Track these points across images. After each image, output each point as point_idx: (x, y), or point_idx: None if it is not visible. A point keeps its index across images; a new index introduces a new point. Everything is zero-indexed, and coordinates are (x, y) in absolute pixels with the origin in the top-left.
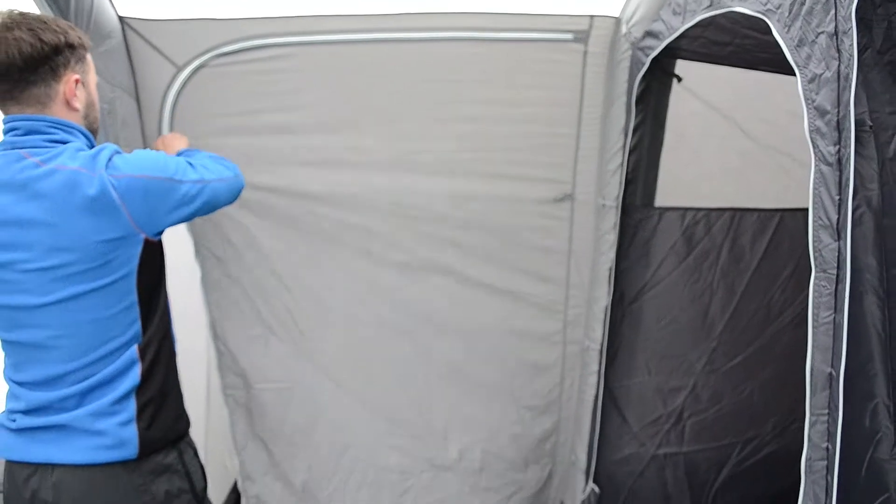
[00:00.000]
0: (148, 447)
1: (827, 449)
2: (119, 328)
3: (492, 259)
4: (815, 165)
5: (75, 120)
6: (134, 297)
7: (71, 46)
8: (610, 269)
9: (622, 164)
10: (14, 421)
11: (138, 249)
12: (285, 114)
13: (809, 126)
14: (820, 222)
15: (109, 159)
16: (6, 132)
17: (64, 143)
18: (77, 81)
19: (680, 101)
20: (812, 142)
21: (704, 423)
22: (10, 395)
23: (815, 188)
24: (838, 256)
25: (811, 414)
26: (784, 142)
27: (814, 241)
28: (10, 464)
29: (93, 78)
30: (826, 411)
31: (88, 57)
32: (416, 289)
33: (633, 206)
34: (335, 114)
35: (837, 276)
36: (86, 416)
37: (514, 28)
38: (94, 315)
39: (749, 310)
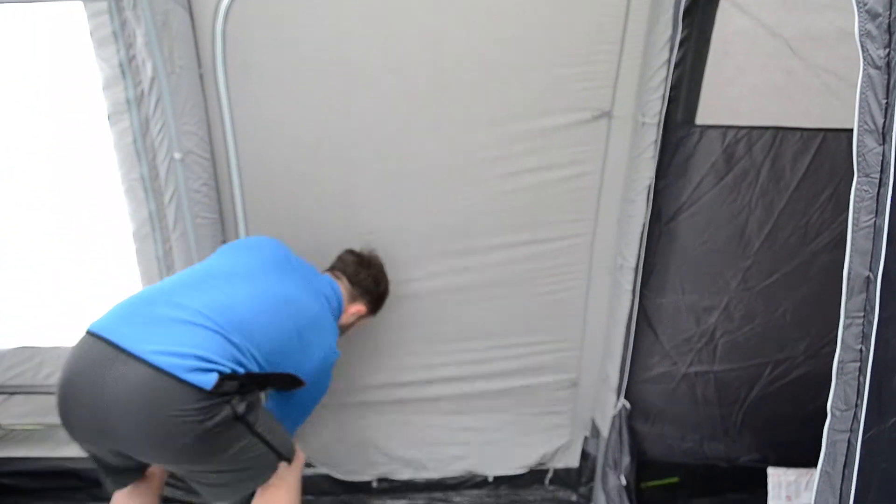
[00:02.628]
0: None
1: (860, 351)
2: None
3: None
4: (864, 69)
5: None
6: None
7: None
8: (649, 187)
9: (665, 79)
10: None
11: None
12: (332, 22)
13: (860, 30)
14: (865, 126)
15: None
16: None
17: None
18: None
19: (727, 17)
20: (861, 45)
21: (736, 343)
22: None
23: (861, 92)
24: (882, 160)
25: (846, 317)
26: (832, 60)
27: (858, 146)
28: None
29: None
30: (862, 314)
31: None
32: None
33: (673, 124)
34: (375, 24)
35: (880, 180)
36: None
37: None
38: None
39: (786, 230)
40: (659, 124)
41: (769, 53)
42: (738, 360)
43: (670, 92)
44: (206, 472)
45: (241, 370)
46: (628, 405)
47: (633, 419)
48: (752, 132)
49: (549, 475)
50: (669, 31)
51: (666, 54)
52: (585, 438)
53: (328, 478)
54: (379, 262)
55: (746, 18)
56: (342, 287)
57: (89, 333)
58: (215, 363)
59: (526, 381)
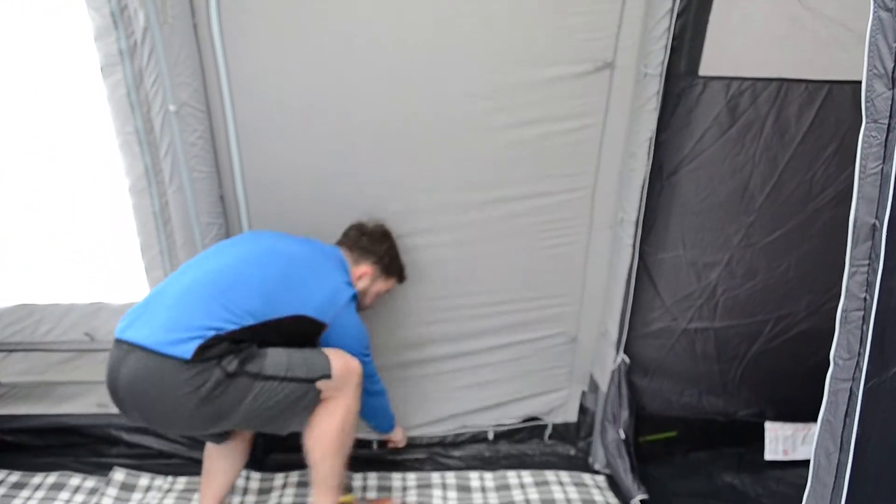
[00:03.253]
0: None
1: (864, 299)
2: None
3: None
4: (874, 12)
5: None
6: None
7: None
8: (650, 140)
9: (668, 29)
10: None
11: None
12: None
13: None
14: (874, 71)
15: None
16: None
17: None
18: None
19: None
20: None
21: (737, 299)
22: None
23: (871, 35)
24: (891, 106)
25: (850, 266)
26: (840, 10)
27: (867, 91)
28: None
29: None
30: (867, 262)
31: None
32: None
33: (676, 75)
34: None
35: (889, 125)
36: None
37: None
38: None
39: (790, 185)
40: (661, 75)
41: (775, 2)
42: (738, 317)
43: (673, 42)
44: (244, 422)
45: (232, 326)
46: (627, 360)
47: (632, 374)
48: (757, 84)
49: (548, 430)
50: None
51: (669, 3)
52: (583, 393)
53: None
54: (381, 228)
55: None
56: (344, 253)
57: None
58: (196, 332)
59: (525, 336)
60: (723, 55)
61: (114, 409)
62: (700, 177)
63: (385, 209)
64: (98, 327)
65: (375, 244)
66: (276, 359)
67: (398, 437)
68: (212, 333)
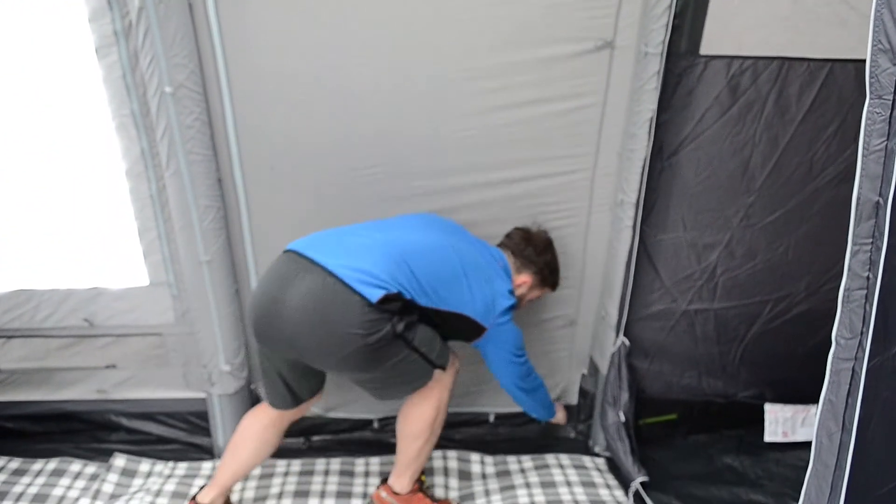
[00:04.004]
0: None
1: (867, 278)
2: None
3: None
4: None
5: None
6: None
7: None
8: (651, 120)
9: (670, 7)
10: None
11: None
12: None
13: None
14: (879, 46)
15: None
16: None
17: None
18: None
19: None
20: None
21: (737, 280)
22: None
23: (877, 9)
24: None
25: (853, 244)
26: None
27: (871, 66)
28: None
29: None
30: (870, 240)
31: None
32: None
33: (677, 54)
34: None
35: (893, 101)
36: None
37: None
38: None
39: (791, 164)
40: (662, 54)
41: None
42: (738, 298)
43: (674, 21)
44: (368, 379)
45: (409, 295)
46: (627, 342)
47: (632, 356)
48: (758, 63)
49: None
50: None
51: None
52: (583, 376)
53: (324, 418)
54: (544, 237)
55: None
56: (508, 259)
57: (286, 251)
58: (385, 283)
59: (524, 320)
60: (724, 34)
61: (113, 395)
62: (700, 157)
63: (383, 191)
64: (97, 312)
65: (539, 255)
66: (424, 334)
67: (561, 417)
68: (395, 289)
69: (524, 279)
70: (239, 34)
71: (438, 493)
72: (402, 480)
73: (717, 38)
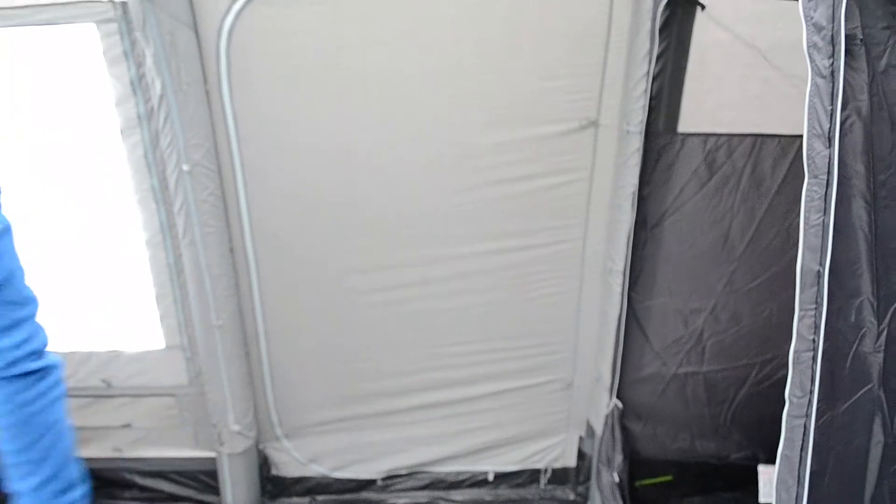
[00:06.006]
0: None
1: (813, 341)
2: None
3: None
4: (812, 79)
5: None
6: None
7: None
8: (633, 194)
9: (646, 90)
10: None
11: None
12: (326, 39)
13: (807, 42)
14: (814, 131)
15: None
16: None
17: None
18: None
19: (704, 30)
20: (809, 56)
21: (723, 344)
22: None
23: (810, 99)
24: (829, 163)
25: (800, 309)
26: (806, 69)
27: (808, 150)
28: None
29: None
30: (813, 306)
31: None
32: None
33: (656, 132)
34: (369, 42)
35: (827, 180)
36: None
37: None
38: None
39: (769, 233)
40: (641, 133)
41: (746, 64)
42: (725, 361)
43: (651, 102)
44: None
45: None
46: (620, 404)
47: (626, 418)
48: (732, 139)
49: (547, 474)
50: (648, 45)
51: (645, 66)
52: (581, 438)
53: (329, 478)
54: None
55: (722, 31)
56: None
57: None
58: None
59: (521, 383)
60: (700, 113)
61: (128, 454)
62: (682, 227)
63: (385, 260)
64: (114, 373)
65: None
66: None
67: None
68: None
69: None
70: (251, 118)
71: None
72: None
73: (694, 117)
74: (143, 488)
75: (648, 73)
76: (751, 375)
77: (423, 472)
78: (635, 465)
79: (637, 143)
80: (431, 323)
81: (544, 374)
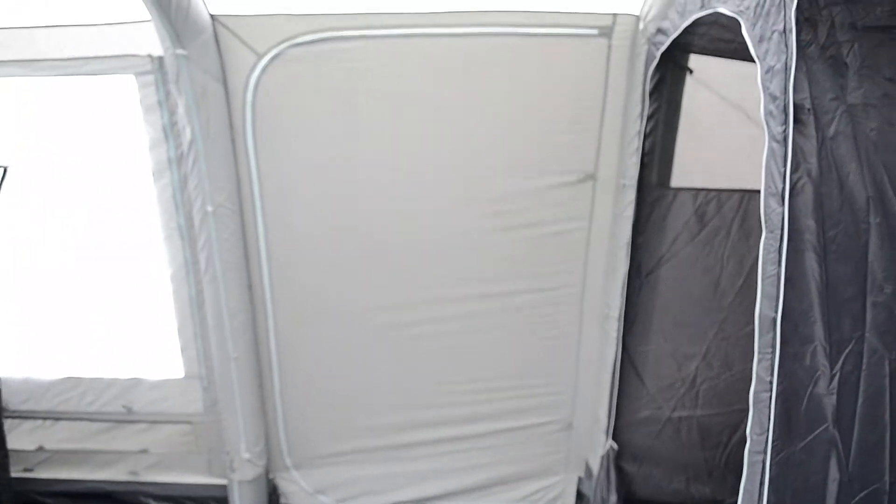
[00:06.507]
0: None
1: (770, 382)
2: None
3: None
4: (768, 143)
5: None
6: None
7: None
8: (627, 243)
9: (638, 147)
10: None
11: None
12: (346, 95)
13: (764, 110)
14: (770, 190)
15: None
16: None
17: None
18: None
19: (695, 93)
20: (766, 122)
21: (717, 389)
22: None
23: (766, 162)
24: (782, 219)
25: (759, 353)
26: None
27: (764, 207)
28: None
29: None
30: (770, 350)
31: None
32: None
33: (650, 186)
34: (385, 97)
35: (781, 235)
36: None
37: (544, 24)
38: None
39: (758, 284)
40: (634, 187)
41: (734, 123)
42: (718, 406)
43: (644, 158)
44: None
45: None
46: (615, 446)
47: (622, 460)
48: (722, 194)
49: None
50: (640, 106)
51: (638, 125)
52: (580, 479)
53: None
54: None
55: (710, 93)
56: None
57: None
58: None
59: (524, 422)
60: (692, 168)
61: (144, 478)
62: (675, 276)
63: (393, 301)
64: (135, 400)
65: None
66: None
67: None
68: None
69: None
70: (272, 164)
71: None
72: None
73: (686, 172)
74: None
75: (640, 131)
76: (744, 421)
77: None
78: None
79: (631, 195)
80: (437, 361)
81: (545, 415)
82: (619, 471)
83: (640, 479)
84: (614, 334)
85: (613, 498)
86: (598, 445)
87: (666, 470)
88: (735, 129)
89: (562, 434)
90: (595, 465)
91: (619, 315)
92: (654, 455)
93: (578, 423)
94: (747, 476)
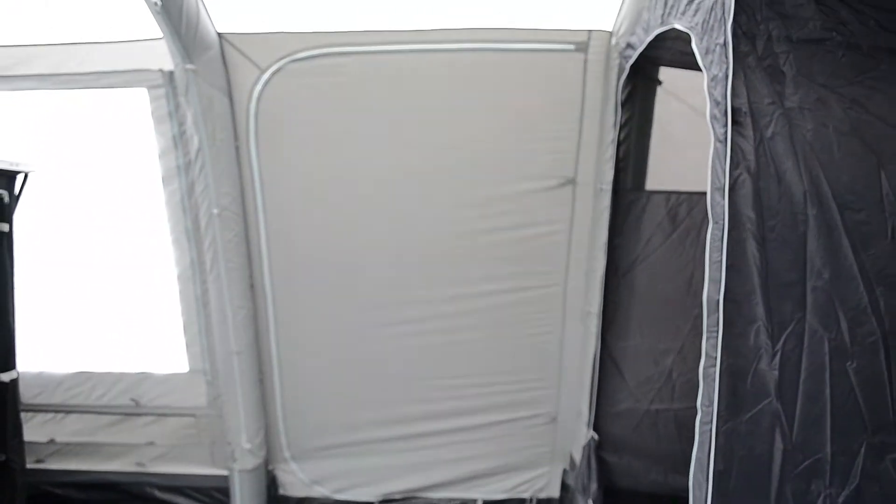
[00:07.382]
0: None
1: (716, 358)
2: None
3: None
4: (713, 143)
5: None
6: None
7: None
8: (604, 244)
9: (613, 154)
10: None
11: None
12: (341, 105)
13: (710, 114)
14: (714, 185)
15: None
16: None
17: None
18: None
19: (667, 102)
20: (711, 125)
21: (692, 384)
22: None
23: (712, 160)
24: (724, 212)
25: (707, 332)
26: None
27: (711, 201)
28: None
29: None
30: (716, 329)
31: None
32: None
33: (625, 190)
34: (377, 108)
35: (723, 226)
36: None
37: (526, 40)
38: None
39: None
40: (611, 190)
41: (702, 130)
42: (694, 399)
43: (619, 163)
44: None
45: None
46: (596, 436)
47: (603, 450)
48: (693, 196)
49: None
50: (614, 115)
51: (613, 133)
52: (565, 470)
53: (330, 499)
54: None
55: (679, 103)
56: None
57: None
58: None
59: (511, 416)
60: (665, 173)
61: (150, 469)
62: (650, 275)
63: (387, 300)
64: (143, 394)
65: None
66: None
67: None
68: None
69: None
70: (274, 170)
71: None
72: None
73: (660, 176)
74: (161, 502)
75: (615, 138)
76: None
77: (418, 498)
78: (611, 495)
79: (608, 199)
80: (429, 357)
81: (531, 409)
82: (600, 461)
83: (620, 470)
84: (594, 330)
85: (594, 486)
86: (582, 437)
87: (644, 461)
88: (703, 136)
89: (547, 427)
90: (578, 457)
91: (599, 312)
92: (633, 446)
93: (563, 416)
94: (698, 445)
